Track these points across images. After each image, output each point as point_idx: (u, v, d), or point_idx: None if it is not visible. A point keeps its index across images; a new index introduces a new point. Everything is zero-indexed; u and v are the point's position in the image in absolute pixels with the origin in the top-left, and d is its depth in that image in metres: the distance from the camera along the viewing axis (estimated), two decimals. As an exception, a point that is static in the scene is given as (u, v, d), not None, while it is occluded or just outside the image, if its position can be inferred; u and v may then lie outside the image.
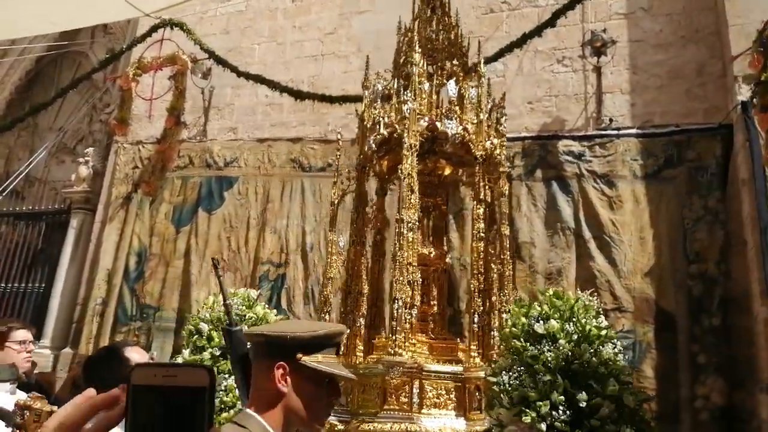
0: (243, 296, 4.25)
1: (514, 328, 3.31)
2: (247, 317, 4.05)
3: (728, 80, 6.16)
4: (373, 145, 4.21)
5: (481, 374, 3.51)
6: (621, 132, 6.41)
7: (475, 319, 3.77)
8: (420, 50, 4.45)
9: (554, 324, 3.16)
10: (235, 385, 2.07)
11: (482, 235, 4.10)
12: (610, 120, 6.55)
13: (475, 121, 4.20)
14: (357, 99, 6.91)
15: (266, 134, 7.93)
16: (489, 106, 4.39)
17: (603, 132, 6.48)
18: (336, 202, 4.71)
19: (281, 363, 1.48)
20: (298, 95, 7.52)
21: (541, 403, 2.89)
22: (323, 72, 7.95)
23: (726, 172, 5.94)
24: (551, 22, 6.68)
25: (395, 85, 4.38)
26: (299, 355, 1.49)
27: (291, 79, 7.86)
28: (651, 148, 6.23)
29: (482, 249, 4.04)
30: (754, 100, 5.48)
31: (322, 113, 7.63)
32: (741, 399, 5.29)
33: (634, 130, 6.39)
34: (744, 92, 5.77)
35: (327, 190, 7.25)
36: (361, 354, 4.20)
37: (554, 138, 6.60)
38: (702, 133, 6.11)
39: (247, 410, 1.50)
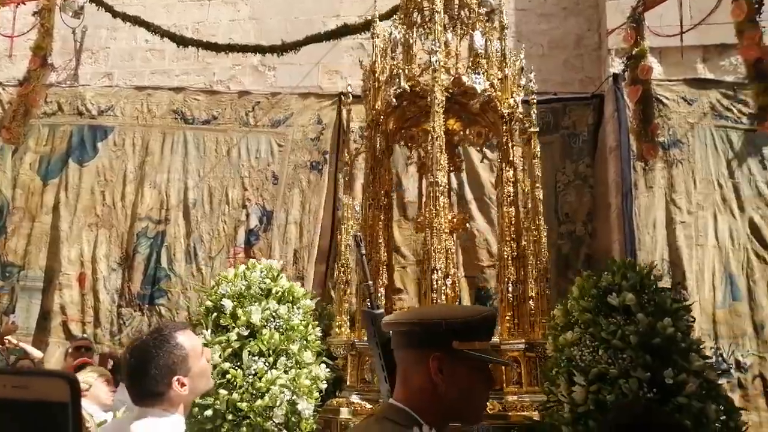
0: (266, 267, 3.67)
1: (582, 300, 3.01)
2: (273, 292, 3.50)
3: (603, 53, 6.55)
4: (393, 100, 3.74)
5: (521, 346, 3.34)
6: (505, 97, 6.65)
7: (509, 289, 3.53)
8: None
9: (630, 296, 2.87)
10: (377, 373, 1.78)
11: (512, 199, 3.75)
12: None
13: (500, 77, 3.82)
14: (245, 49, 6.66)
15: (146, 82, 7.44)
16: (514, 60, 3.97)
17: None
18: (350, 161, 4.28)
19: (436, 353, 1.35)
20: (181, 41, 7.09)
21: (623, 380, 2.68)
22: (209, 18, 7.54)
23: (596, 139, 6.37)
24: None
25: (413, 34, 3.91)
26: (455, 343, 1.35)
27: (174, 24, 7.38)
28: (532, 114, 6.52)
29: (513, 214, 3.71)
30: (625, 73, 5.89)
31: (208, 63, 7.27)
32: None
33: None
34: (617, 65, 6.16)
35: (211, 143, 6.99)
36: None
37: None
38: (577, 102, 6.48)
39: (395, 402, 1.38)
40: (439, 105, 3.47)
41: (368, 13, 6.74)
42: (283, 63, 6.91)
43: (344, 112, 6.71)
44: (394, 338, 1.47)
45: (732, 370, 5.31)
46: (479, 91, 3.64)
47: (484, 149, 6.48)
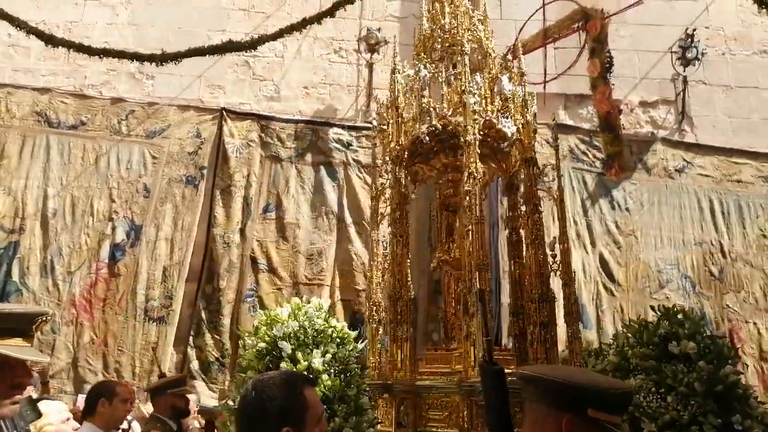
0: (316, 306, 3.36)
1: (644, 348, 3.07)
2: (326, 333, 3.20)
3: (477, 93, 6.97)
4: (426, 138, 3.64)
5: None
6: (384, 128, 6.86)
7: (537, 331, 3.47)
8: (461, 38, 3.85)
9: (692, 344, 2.97)
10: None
11: (539, 241, 3.69)
12: (378, 114, 6.96)
13: (523, 122, 3.83)
14: (122, 55, 6.35)
15: (6, 79, 6.85)
16: (532, 108, 3.95)
17: (370, 125, 6.88)
18: (377, 195, 4.06)
19: (570, 416, 1.36)
20: (50, 40, 6.61)
21: (695, 427, 2.78)
22: (84, 19, 7.13)
23: (469, 173, 6.73)
24: (331, 12, 6.85)
25: (444, 73, 3.84)
26: (591, 411, 1.36)
27: (43, 20, 6.89)
28: (410, 145, 6.79)
29: (542, 257, 3.64)
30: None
31: (79, 65, 6.85)
32: (463, 371, 6.08)
33: (397, 127, 6.90)
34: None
35: (78, 150, 6.55)
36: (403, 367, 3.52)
37: (326, 125, 6.82)
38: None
39: None
40: (472, 144, 3.45)
41: (255, 32, 6.73)
42: (163, 73, 6.67)
43: (225, 129, 6.65)
44: (527, 390, 1.51)
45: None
46: (509, 135, 3.69)
47: (365, 175, 6.65)
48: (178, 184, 6.49)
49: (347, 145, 6.76)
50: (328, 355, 3.03)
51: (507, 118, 3.69)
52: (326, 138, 6.76)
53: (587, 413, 1.38)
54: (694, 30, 6.90)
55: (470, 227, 3.34)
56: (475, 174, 3.41)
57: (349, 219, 6.53)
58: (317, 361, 2.98)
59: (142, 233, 6.30)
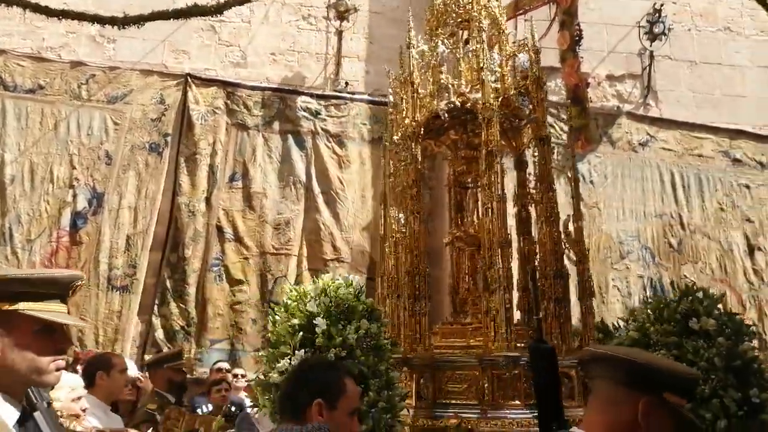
0: (347, 283, 3.27)
1: (666, 324, 3.17)
2: (357, 309, 3.14)
3: (447, 63, 6.95)
4: (445, 114, 3.65)
5: (573, 362, 3.34)
6: (355, 96, 6.82)
7: (551, 307, 3.48)
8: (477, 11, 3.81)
9: (712, 321, 3.08)
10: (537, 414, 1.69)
11: (553, 219, 3.68)
12: (346, 83, 6.91)
13: (537, 100, 3.80)
14: (82, 17, 6.12)
15: (-43, 39, 6.56)
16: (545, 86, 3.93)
17: (339, 94, 6.82)
18: (392, 172, 3.97)
19: (648, 398, 1.41)
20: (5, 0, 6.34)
21: (716, 399, 2.89)
22: (40, -22, 6.83)
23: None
24: (299, -24, 6.73)
25: (461, 50, 3.82)
26: (667, 395, 1.41)
27: (-4, -22, 6.58)
28: (378, 115, 6.75)
29: (556, 235, 3.64)
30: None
31: (36, 26, 6.58)
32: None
33: (366, 96, 6.85)
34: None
35: (36, 115, 6.34)
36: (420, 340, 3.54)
37: (294, 93, 6.73)
38: (422, 106, 6.82)
39: None
40: (495, 123, 3.46)
41: (222, -4, 6.53)
42: (125, 36, 6.46)
43: (190, 95, 6.50)
44: (599, 368, 1.54)
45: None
46: (527, 113, 3.71)
47: (334, 144, 6.61)
48: (142, 151, 6.35)
49: (316, 114, 6.68)
50: (361, 331, 3.02)
51: (524, 96, 3.71)
52: (294, 106, 6.67)
53: (663, 396, 1.44)
54: (662, 5, 6.95)
55: (490, 205, 3.39)
56: (495, 152, 3.44)
57: (317, 189, 6.49)
58: (351, 337, 2.97)
59: (104, 201, 6.17)
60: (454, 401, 3.30)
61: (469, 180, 4.04)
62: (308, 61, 7.03)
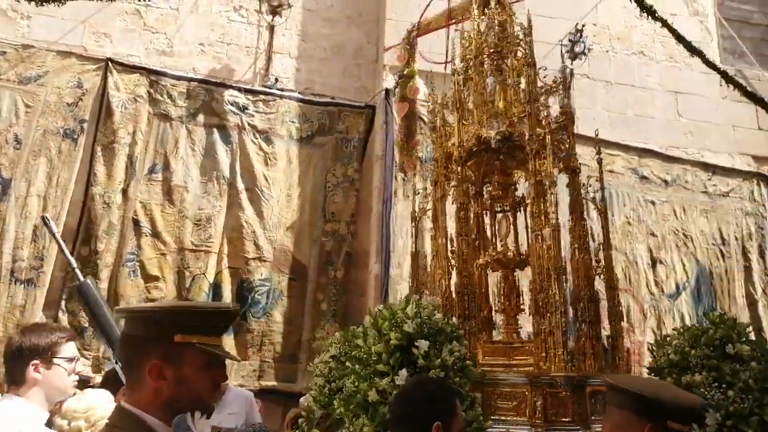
0: (432, 303, 3.28)
1: (704, 348, 3.51)
2: (444, 330, 3.16)
3: (379, 67, 7.01)
4: (496, 143, 3.80)
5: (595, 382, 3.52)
6: (285, 93, 6.74)
7: (583, 328, 3.70)
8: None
9: (746, 348, 3.48)
10: None
11: (586, 246, 3.88)
12: (276, 79, 6.81)
13: (569, 133, 4.04)
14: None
15: None
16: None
17: (268, 90, 6.72)
18: (437, 196, 4.06)
19: (651, 425, 1.69)
20: None
21: (755, 417, 3.23)
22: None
23: (365, 146, 6.79)
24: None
25: (510, 79, 3.99)
26: (670, 423, 1.68)
27: None
28: (308, 114, 6.71)
29: (588, 262, 3.84)
30: (396, 89, 6.39)
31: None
32: (349, 341, 6.21)
33: (296, 94, 6.79)
34: (390, 80, 6.65)
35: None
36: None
37: (222, 86, 6.56)
38: (351, 109, 6.84)
39: None
40: (548, 156, 3.65)
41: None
42: (42, 14, 6.09)
43: (110, 81, 6.21)
44: (614, 396, 1.85)
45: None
46: (568, 147, 3.94)
47: (260, 141, 6.50)
48: (55, 136, 5.99)
49: (243, 109, 6.55)
50: (456, 353, 3.12)
51: (563, 129, 3.96)
52: (221, 99, 6.51)
53: (667, 423, 1.73)
54: (584, 25, 7.30)
55: (539, 232, 3.58)
56: (545, 182, 3.63)
57: (241, 185, 6.36)
58: (448, 359, 3.06)
59: (10, 188, 5.78)
60: (503, 418, 3.45)
61: (506, 205, 4.24)
62: (238, 54, 6.88)
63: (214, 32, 6.87)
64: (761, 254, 7.66)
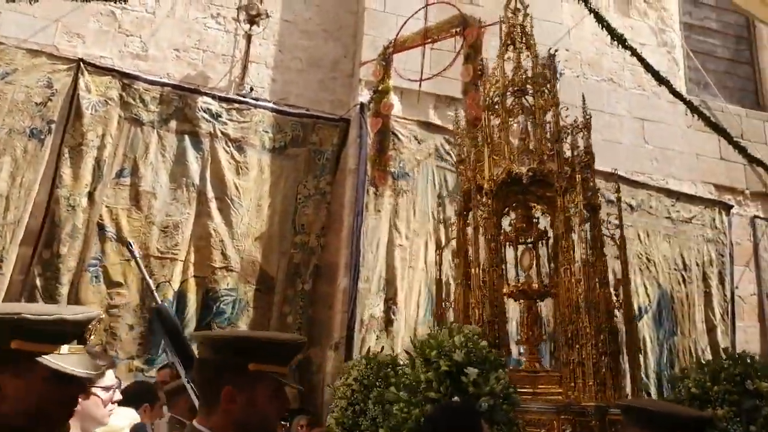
0: (475, 331, 3.39)
1: (726, 383, 3.67)
2: (489, 358, 3.27)
3: (354, 81, 7.04)
4: (526, 179, 3.94)
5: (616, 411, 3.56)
6: (259, 102, 6.72)
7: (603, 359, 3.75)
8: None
9: (764, 384, 3.64)
10: None
11: (605, 281, 4.00)
12: (252, 89, 6.79)
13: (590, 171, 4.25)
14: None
15: None
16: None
17: (243, 98, 6.69)
18: (463, 225, 4.24)
19: None
20: None
21: None
22: None
23: (339, 159, 6.80)
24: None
25: (538, 118, 4.17)
26: None
27: None
28: (282, 125, 6.70)
29: (608, 295, 3.95)
30: (371, 104, 6.43)
31: None
32: (314, 354, 6.17)
33: (270, 104, 6.77)
34: (365, 95, 6.69)
35: None
36: None
37: (196, 92, 6.51)
38: (326, 121, 6.85)
39: None
40: (579, 195, 3.86)
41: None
42: (13, 10, 5.97)
43: (81, 82, 6.10)
44: (626, 415, 2.22)
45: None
46: (592, 186, 4.18)
47: (233, 149, 6.46)
48: (21, 136, 5.85)
49: (216, 117, 6.50)
50: (502, 381, 3.23)
51: (587, 168, 4.16)
52: (194, 106, 6.45)
53: None
54: (556, 50, 7.44)
55: (569, 267, 3.77)
56: (573, 220, 3.84)
57: (210, 193, 6.29)
58: (496, 387, 3.15)
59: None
60: None
61: (528, 237, 4.35)
62: (213, 61, 6.84)
63: (191, 38, 6.82)
64: (721, 281, 7.86)
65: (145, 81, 6.37)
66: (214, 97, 6.55)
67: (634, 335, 4.18)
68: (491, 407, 3.05)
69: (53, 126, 5.95)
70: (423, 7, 6.53)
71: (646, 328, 7.25)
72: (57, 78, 6.07)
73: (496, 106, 4.31)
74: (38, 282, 5.59)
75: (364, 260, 6.19)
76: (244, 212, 6.34)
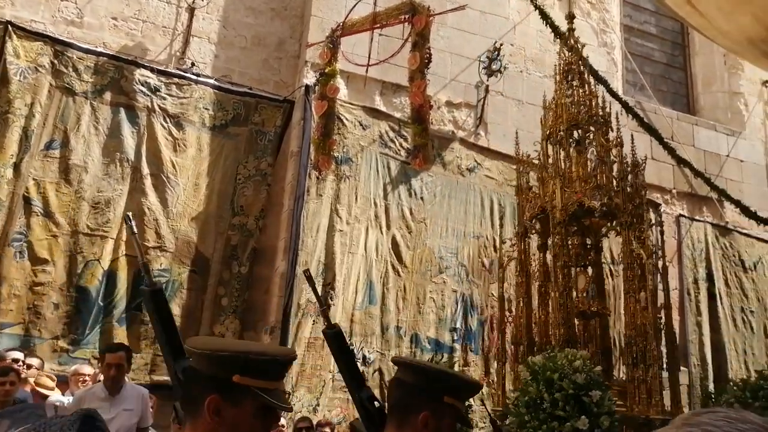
0: (584, 357, 3.90)
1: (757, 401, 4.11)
2: (593, 379, 3.76)
3: (300, 62, 6.94)
4: (597, 211, 4.52)
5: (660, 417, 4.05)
6: (200, 78, 6.53)
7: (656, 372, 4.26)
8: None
9: None
10: None
11: (652, 298, 4.47)
12: (193, 64, 6.59)
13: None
14: None
15: None
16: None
17: (183, 73, 6.48)
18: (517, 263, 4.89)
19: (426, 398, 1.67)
20: None
21: None
22: None
23: (280, 141, 6.70)
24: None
25: (604, 155, 4.68)
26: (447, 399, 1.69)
27: None
28: (224, 102, 6.54)
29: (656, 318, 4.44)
30: (316, 87, 6.36)
31: None
32: (249, 338, 6.09)
33: (212, 81, 6.59)
34: (310, 77, 6.61)
35: None
36: None
37: (133, 64, 6.26)
38: (269, 102, 6.73)
39: None
40: (646, 230, 4.56)
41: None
42: (-67, -36, 5.57)
43: (9, 46, 5.76)
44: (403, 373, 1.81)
45: (359, 364, 6.13)
46: (647, 220, 4.71)
47: (170, 125, 6.26)
48: (-61, 100, 5.50)
49: (154, 91, 6.27)
50: (612, 401, 3.66)
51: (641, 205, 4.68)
52: (131, 78, 6.20)
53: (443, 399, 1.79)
54: (501, 45, 7.58)
55: (636, 295, 4.30)
56: (638, 252, 4.38)
57: (146, 170, 6.09)
58: (612, 407, 3.63)
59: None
60: None
61: (585, 262, 4.85)
62: (153, 33, 6.59)
63: (130, 7, 6.54)
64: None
65: (80, 49, 6.08)
66: (152, 70, 6.31)
67: (675, 354, 4.65)
68: (611, 424, 3.54)
69: (-23, 93, 5.60)
70: (372, -8, 6.47)
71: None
72: (-19, 40, 5.71)
73: (561, 141, 4.84)
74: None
75: (303, 244, 6.15)
76: (181, 191, 6.17)
